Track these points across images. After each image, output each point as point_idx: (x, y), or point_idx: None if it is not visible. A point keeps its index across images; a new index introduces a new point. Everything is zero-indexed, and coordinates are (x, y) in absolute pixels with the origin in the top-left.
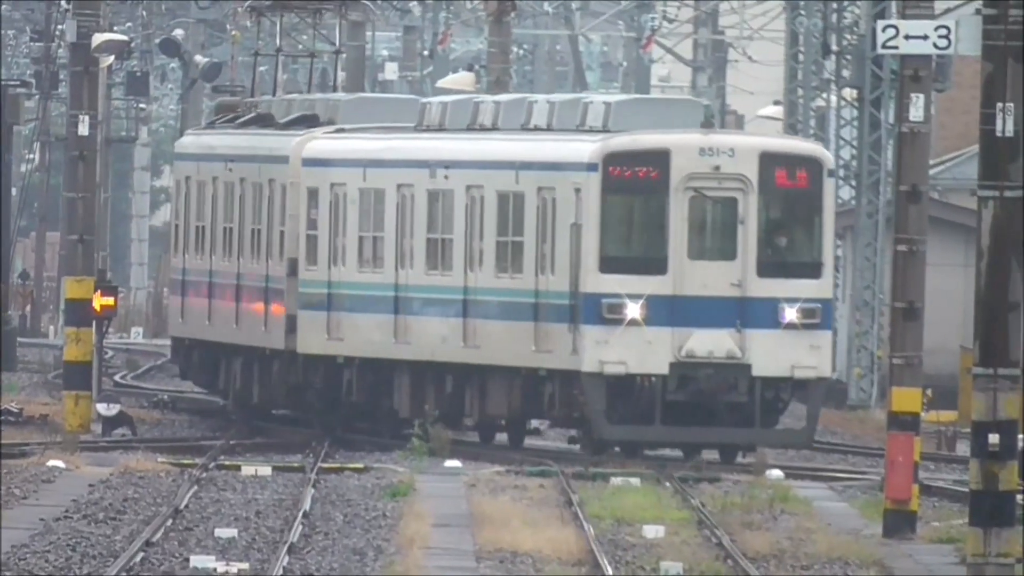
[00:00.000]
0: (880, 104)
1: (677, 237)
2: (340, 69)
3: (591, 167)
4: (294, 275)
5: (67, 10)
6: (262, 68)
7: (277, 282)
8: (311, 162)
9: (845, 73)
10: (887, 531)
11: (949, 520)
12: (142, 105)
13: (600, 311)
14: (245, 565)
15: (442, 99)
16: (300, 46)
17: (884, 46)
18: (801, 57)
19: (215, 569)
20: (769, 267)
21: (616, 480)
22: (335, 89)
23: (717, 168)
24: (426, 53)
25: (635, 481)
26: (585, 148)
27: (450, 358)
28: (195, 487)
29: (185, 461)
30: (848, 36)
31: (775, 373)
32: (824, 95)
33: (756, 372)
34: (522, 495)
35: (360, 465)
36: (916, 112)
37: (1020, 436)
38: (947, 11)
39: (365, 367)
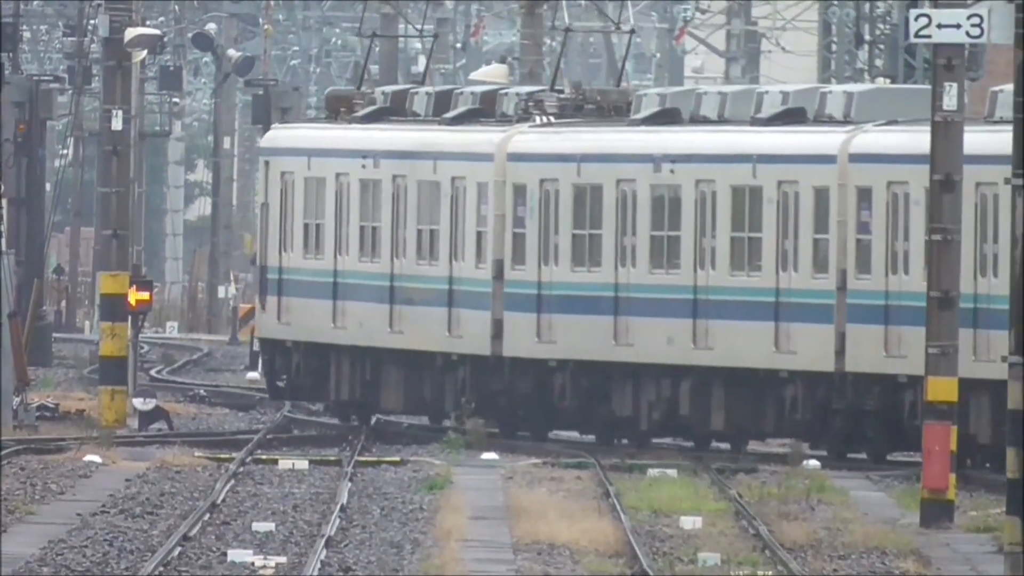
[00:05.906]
0: None
1: None
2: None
3: None
4: (844, 288)
5: (99, 5)
6: (294, 62)
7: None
8: (859, 158)
9: (878, 63)
10: (924, 520)
11: (987, 509)
12: (175, 100)
13: None
14: (282, 559)
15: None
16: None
17: (917, 35)
18: (834, 47)
19: (252, 563)
20: None
21: (653, 471)
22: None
23: None
24: (459, 46)
25: (672, 472)
26: None
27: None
28: (232, 481)
29: (221, 455)
30: (881, 26)
31: None
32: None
33: None
34: (559, 487)
35: (397, 458)
36: (949, 101)
37: None
38: None
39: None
